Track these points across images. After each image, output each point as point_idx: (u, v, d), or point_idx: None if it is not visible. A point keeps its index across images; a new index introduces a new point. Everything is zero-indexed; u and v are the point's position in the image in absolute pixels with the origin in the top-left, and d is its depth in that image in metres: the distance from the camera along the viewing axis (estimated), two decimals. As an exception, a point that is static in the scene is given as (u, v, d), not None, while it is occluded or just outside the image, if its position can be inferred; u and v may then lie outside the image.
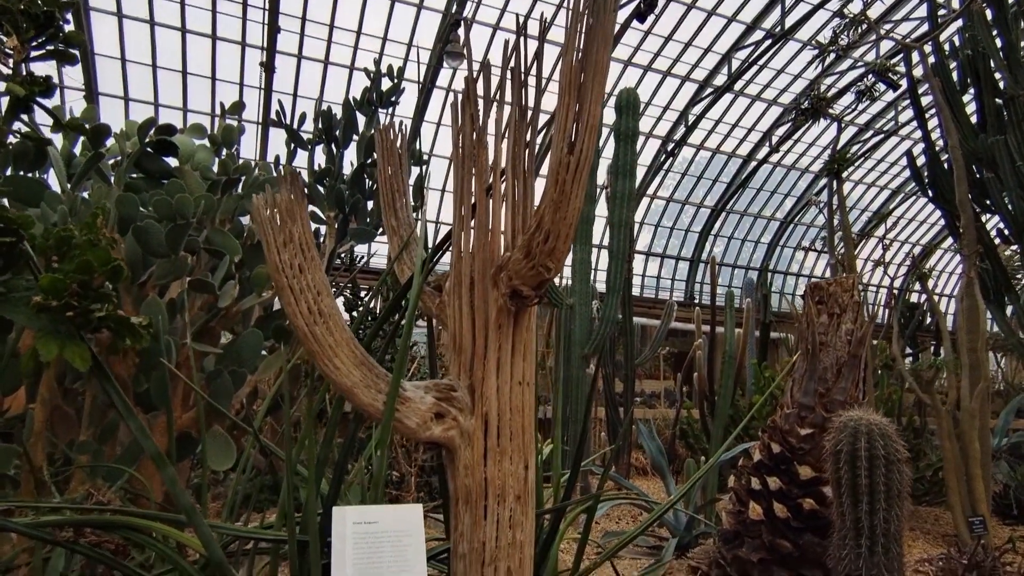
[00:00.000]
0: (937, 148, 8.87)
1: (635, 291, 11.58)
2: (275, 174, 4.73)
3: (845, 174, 11.34)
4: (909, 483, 1.61)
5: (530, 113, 1.79)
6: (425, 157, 7.58)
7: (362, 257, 8.06)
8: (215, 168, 4.33)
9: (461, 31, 15.06)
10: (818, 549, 3.67)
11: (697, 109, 18.92)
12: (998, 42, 7.07)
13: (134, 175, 4.08)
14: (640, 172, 15.40)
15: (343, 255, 5.65)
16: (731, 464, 6.22)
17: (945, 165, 8.30)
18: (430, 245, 2.50)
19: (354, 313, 7.07)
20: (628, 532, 3.16)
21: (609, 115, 9.41)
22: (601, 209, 8.50)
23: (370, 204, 6.29)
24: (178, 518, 2.21)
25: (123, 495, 3.42)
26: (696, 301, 21.81)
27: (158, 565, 3.00)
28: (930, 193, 8.73)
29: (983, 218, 7.26)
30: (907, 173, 21.85)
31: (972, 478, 5.75)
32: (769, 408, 6.56)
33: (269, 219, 1.50)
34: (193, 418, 3.97)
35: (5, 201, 3.34)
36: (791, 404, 3.95)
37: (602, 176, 8.42)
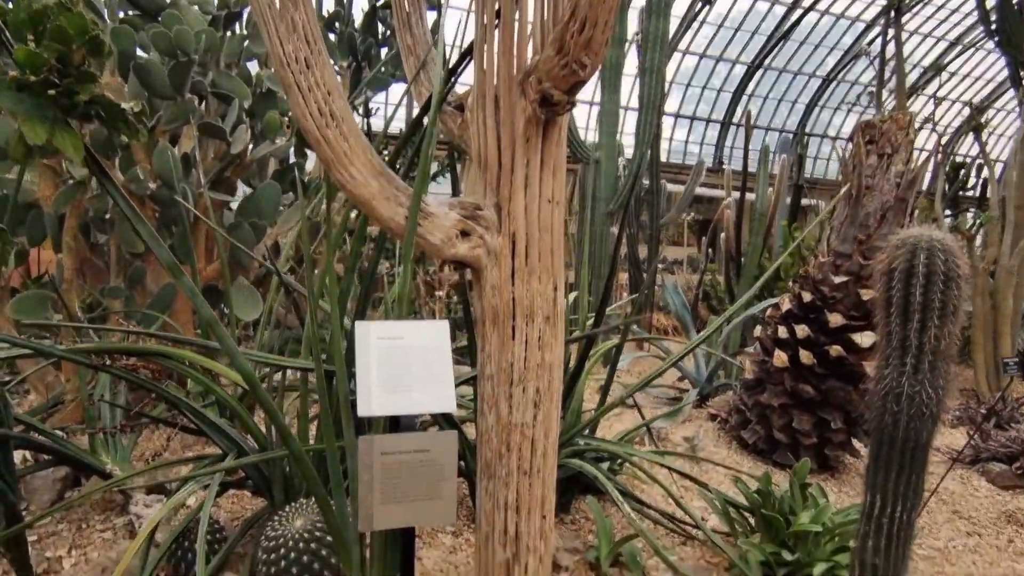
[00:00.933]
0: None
1: (662, 156, 11.08)
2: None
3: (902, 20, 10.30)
4: (965, 300, 1.50)
5: None
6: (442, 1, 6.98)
7: (377, 108, 7.73)
8: (214, 3, 4.00)
9: None
10: (841, 394, 3.70)
11: (740, -52, 17.02)
12: None
13: (128, 12, 3.80)
14: (672, 24, 14.16)
15: (358, 107, 5.37)
16: (754, 323, 6.24)
17: (1016, 7, 7.56)
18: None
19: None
20: (650, 374, 3.19)
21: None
22: (628, 68, 7.88)
23: (384, 51, 5.88)
24: (210, 344, 2.24)
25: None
26: (725, 166, 21.02)
27: (198, 401, 3.15)
28: (996, 38, 8.07)
29: (1053, 64, 6.62)
30: (966, 23, 19.91)
31: (1000, 335, 5.72)
32: (798, 268, 6.46)
33: (268, 4, 1.32)
34: (217, 270, 3.99)
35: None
36: (827, 253, 3.81)
37: (631, 27, 7.72)
